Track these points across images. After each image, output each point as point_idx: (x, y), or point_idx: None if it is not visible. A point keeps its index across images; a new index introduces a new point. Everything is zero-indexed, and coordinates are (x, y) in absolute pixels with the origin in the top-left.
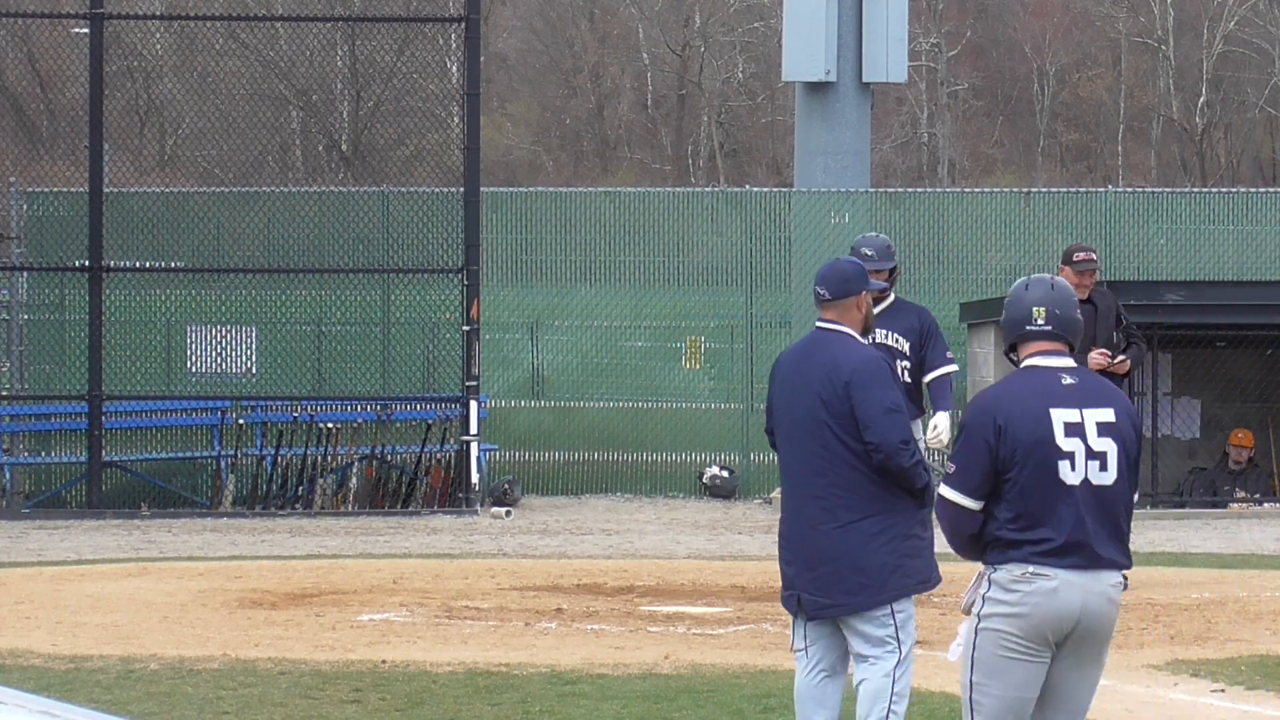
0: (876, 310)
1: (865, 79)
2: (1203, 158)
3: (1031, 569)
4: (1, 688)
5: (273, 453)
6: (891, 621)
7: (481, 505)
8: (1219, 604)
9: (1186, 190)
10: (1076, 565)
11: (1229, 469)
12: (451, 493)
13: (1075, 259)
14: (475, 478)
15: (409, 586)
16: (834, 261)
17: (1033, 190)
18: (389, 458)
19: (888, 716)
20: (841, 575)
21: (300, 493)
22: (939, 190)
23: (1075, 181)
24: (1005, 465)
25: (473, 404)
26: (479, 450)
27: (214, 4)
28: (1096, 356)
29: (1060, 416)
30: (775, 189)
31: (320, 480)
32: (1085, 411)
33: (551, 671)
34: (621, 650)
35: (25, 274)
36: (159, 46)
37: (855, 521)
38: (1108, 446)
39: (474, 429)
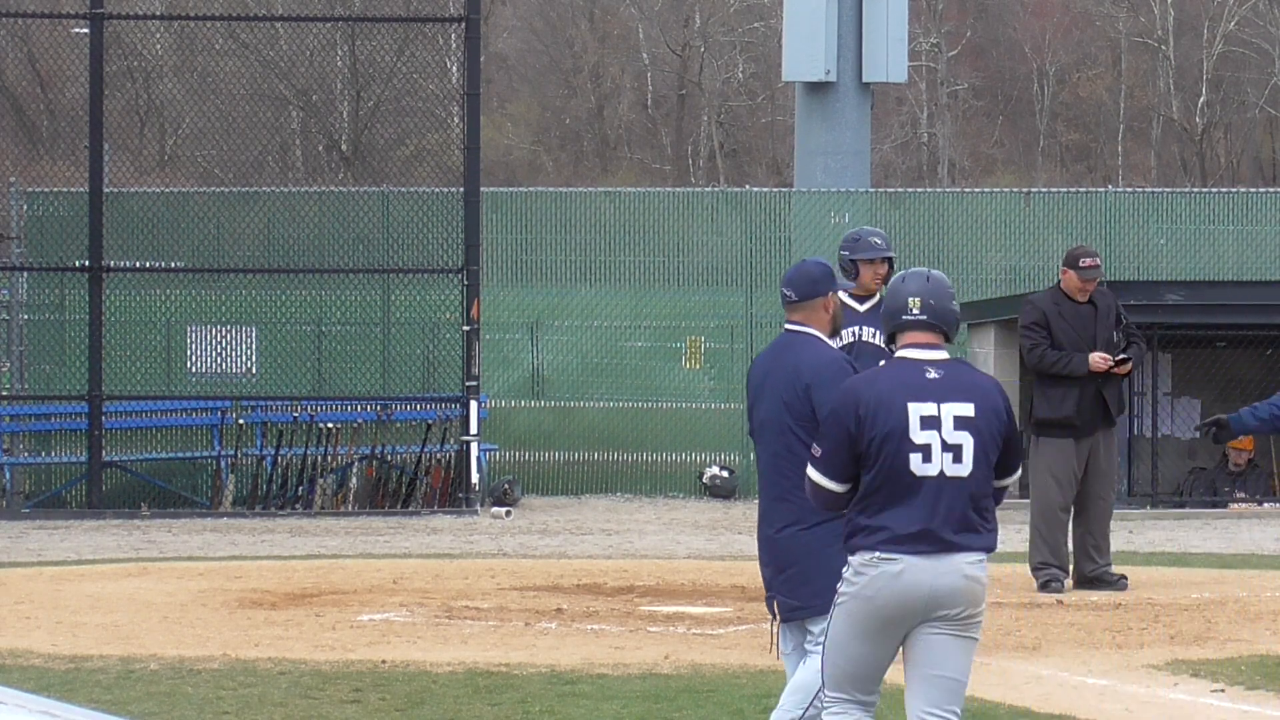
0: (865, 307)
1: (865, 79)
2: (1203, 158)
3: (879, 554)
4: (1, 688)
5: (273, 453)
6: None
7: (481, 505)
8: (1219, 604)
9: (1186, 190)
10: (922, 551)
11: (1229, 471)
12: (451, 493)
13: (1082, 264)
14: (475, 478)
15: (409, 586)
16: (800, 263)
17: (1033, 190)
18: (389, 458)
19: (806, 710)
20: (809, 577)
21: (300, 493)
22: (939, 190)
23: (1075, 181)
24: (864, 453)
25: (473, 404)
26: (479, 450)
27: (214, 4)
28: (1097, 360)
29: (917, 410)
30: (775, 189)
31: (320, 480)
32: (943, 406)
33: (551, 671)
34: (621, 650)
35: (25, 274)
36: (159, 46)
37: (821, 523)
38: (964, 440)
39: (474, 429)
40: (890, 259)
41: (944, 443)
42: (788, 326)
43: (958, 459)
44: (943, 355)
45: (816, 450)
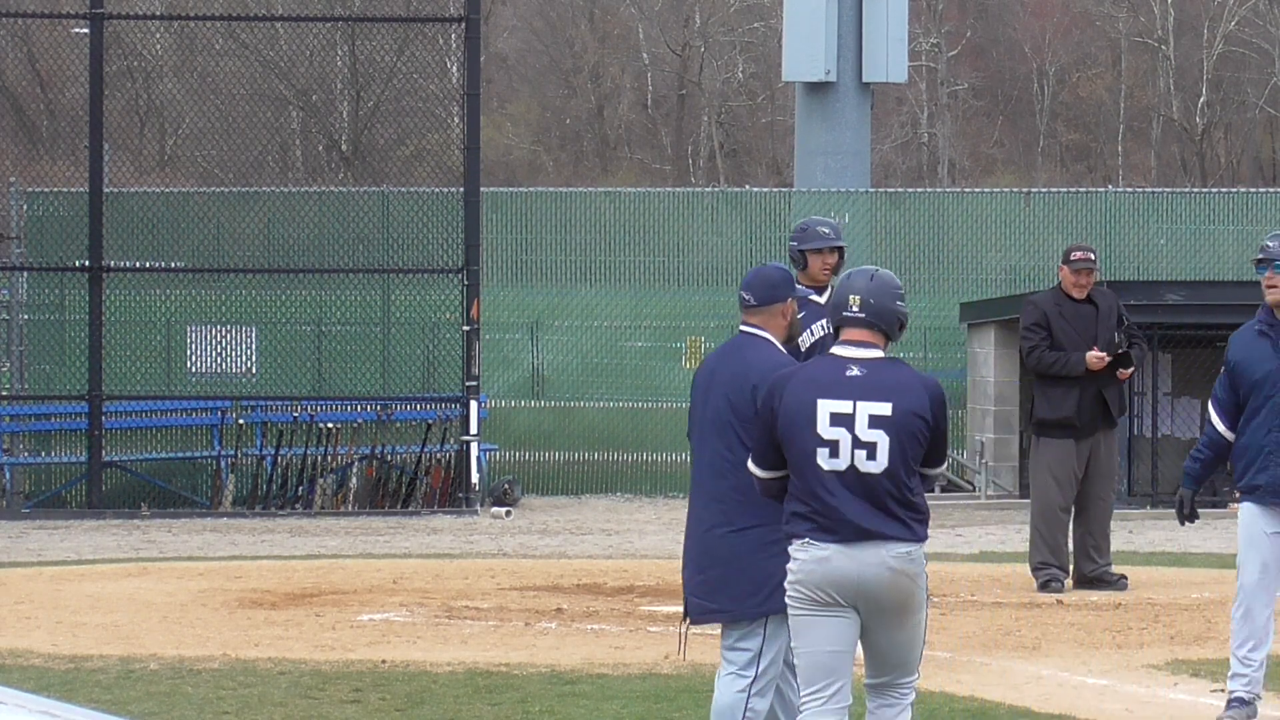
0: (823, 298)
1: (865, 79)
2: (1203, 158)
3: (808, 540)
4: (1, 688)
5: (273, 453)
6: (761, 635)
7: (481, 505)
8: (1219, 604)
9: (1186, 190)
10: (842, 540)
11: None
12: (451, 493)
13: (1072, 258)
14: (475, 478)
15: (409, 586)
16: (760, 267)
17: (1033, 190)
18: (389, 458)
19: None
20: (729, 580)
21: (300, 493)
22: (939, 190)
23: (1075, 181)
24: (780, 445)
25: (473, 404)
26: (479, 450)
27: (214, 4)
28: (1093, 358)
29: (827, 407)
30: (775, 189)
31: (320, 480)
32: (859, 404)
33: (551, 671)
34: (621, 650)
35: (25, 274)
36: (159, 46)
37: (751, 527)
38: (878, 437)
39: (474, 429)
40: (840, 248)
41: (856, 439)
42: (742, 328)
43: (871, 456)
44: (873, 354)
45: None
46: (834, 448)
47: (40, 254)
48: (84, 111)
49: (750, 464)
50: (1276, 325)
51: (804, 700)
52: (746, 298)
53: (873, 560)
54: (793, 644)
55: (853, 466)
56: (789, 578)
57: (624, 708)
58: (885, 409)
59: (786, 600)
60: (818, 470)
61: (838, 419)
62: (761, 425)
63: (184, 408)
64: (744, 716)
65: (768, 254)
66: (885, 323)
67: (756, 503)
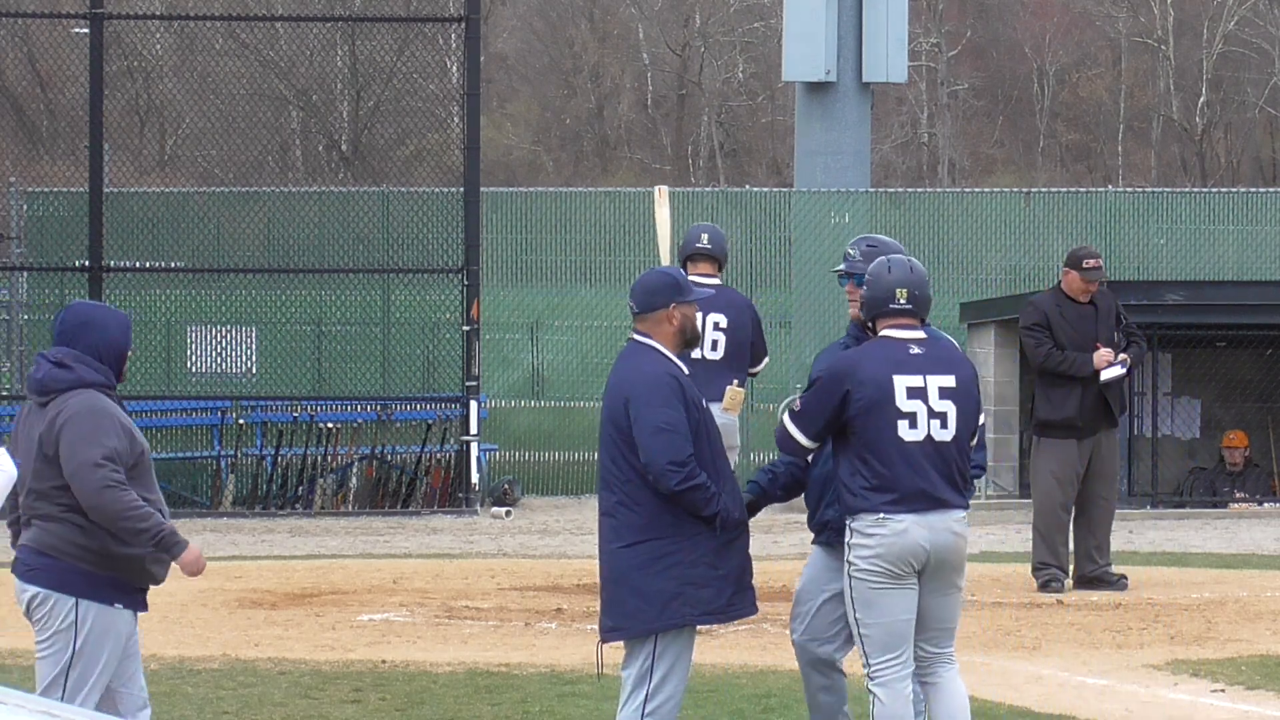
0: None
1: (865, 79)
2: (1203, 158)
3: (883, 515)
4: (1, 688)
5: (273, 453)
6: (649, 652)
7: (481, 505)
8: (1219, 604)
9: (1186, 190)
10: (919, 509)
11: (1227, 471)
12: (451, 493)
13: (1085, 265)
14: (475, 478)
15: (409, 586)
16: (646, 272)
17: (1033, 190)
18: (389, 458)
19: None
20: (622, 598)
21: (300, 493)
22: (939, 190)
23: (1075, 181)
24: (849, 422)
25: (473, 404)
26: (479, 450)
27: (214, 4)
28: (1104, 353)
29: (903, 382)
30: (775, 189)
31: (320, 480)
32: (929, 378)
33: (551, 671)
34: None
35: (25, 274)
36: (159, 46)
37: (639, 542)
38: (948, 408)
39: (474, 429)
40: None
41: (930, 410)
42: (631, 337)
43: (944, 425)
44: (922, 334)
45: (797, 405)
46: (913, 419)
47: (40, 254)
48: (84, 111)
49: (792, 427)
50: (863, 340)
51: (879, 666)
52: (631, 305)
53: (941, 527)
54: (864, 616)
55: (929, 436)
56: (864, 551)
57: None
58: (951, 381)
59: (857, 574)
60: (898, 442)
61: (913, 392)
62: (824, 401)
63: (184, 408)
64: None
65: (768, 254)
66: (924, 310)
67: (644, 516)
